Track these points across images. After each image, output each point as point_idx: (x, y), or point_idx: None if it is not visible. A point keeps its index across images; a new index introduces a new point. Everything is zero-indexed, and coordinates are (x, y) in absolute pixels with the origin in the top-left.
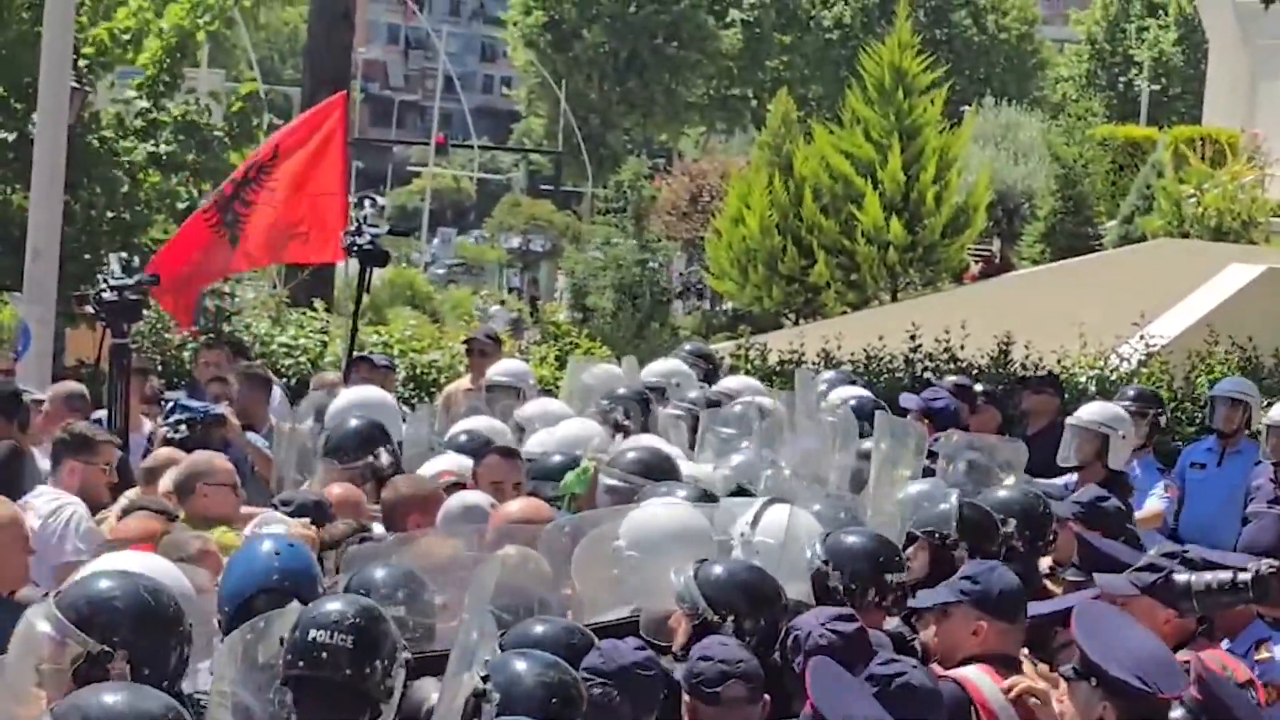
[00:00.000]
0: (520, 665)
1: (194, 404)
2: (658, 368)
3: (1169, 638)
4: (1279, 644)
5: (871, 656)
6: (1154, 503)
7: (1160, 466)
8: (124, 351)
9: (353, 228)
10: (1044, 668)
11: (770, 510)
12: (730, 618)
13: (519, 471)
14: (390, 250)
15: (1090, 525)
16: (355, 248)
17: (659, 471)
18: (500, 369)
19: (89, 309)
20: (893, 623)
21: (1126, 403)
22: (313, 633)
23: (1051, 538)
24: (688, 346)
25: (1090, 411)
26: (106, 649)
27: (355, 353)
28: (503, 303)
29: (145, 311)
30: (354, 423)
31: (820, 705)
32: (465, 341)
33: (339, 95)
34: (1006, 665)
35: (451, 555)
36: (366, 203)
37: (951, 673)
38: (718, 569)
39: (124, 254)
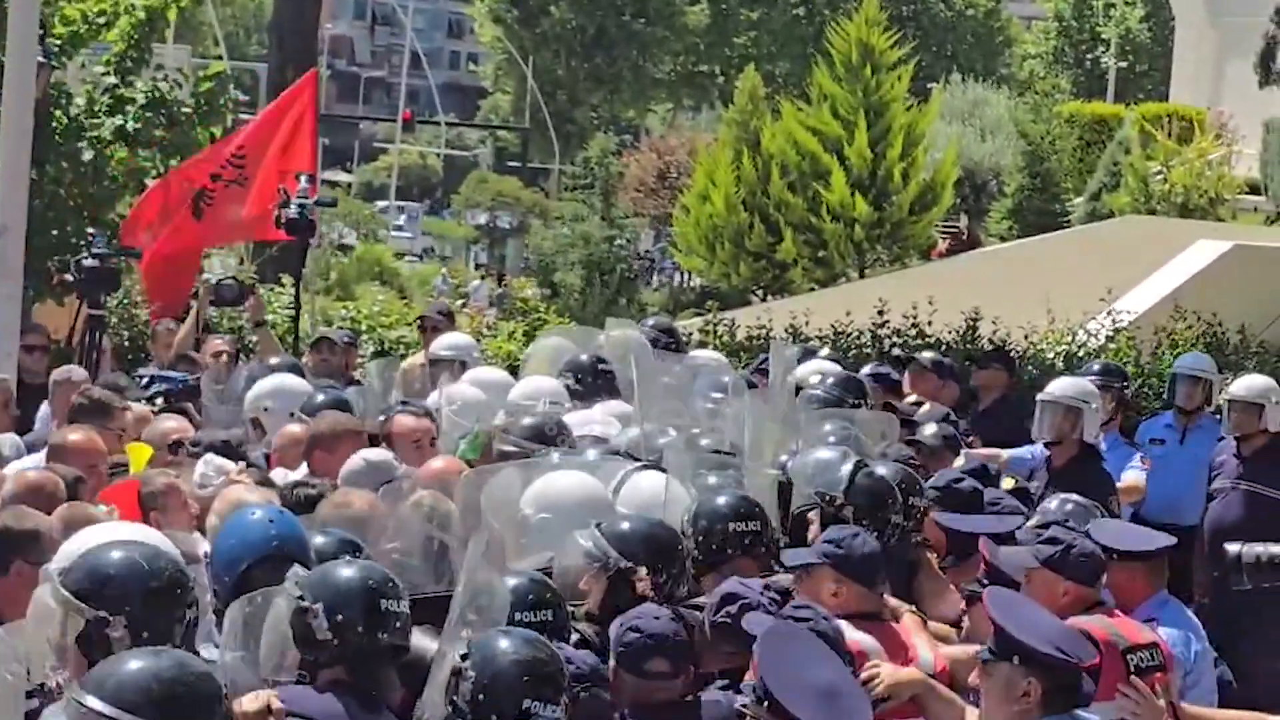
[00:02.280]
0: (499, 643)
1: (172, 374)
2: (630, 334)
3: (1067, 609)
4: (1164, 625)
5: None
6: (1132, 475)
7: (1127, 441)
8: (99, 323)
9: (281, 199)
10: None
11: (636, 477)
12: (644, 567)
13: (430, 429)
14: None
15: (948, 507)
16: (283, 219)
17: (550, 438)
18: (444, 343)
19: (68, 278)
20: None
21: (1092, 377)
22: (384, 604)
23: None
24: (650, 321)
25: (1061, 386)
26: (104, 615)
27: (318, 330)
28: (482, 278)
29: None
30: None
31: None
32: (418, 318)
33: (309, 74)
34: (867, 619)
35: (369, 507)
36: (303, 177)
37: None
38: (624, 524)
39: (90, 229)
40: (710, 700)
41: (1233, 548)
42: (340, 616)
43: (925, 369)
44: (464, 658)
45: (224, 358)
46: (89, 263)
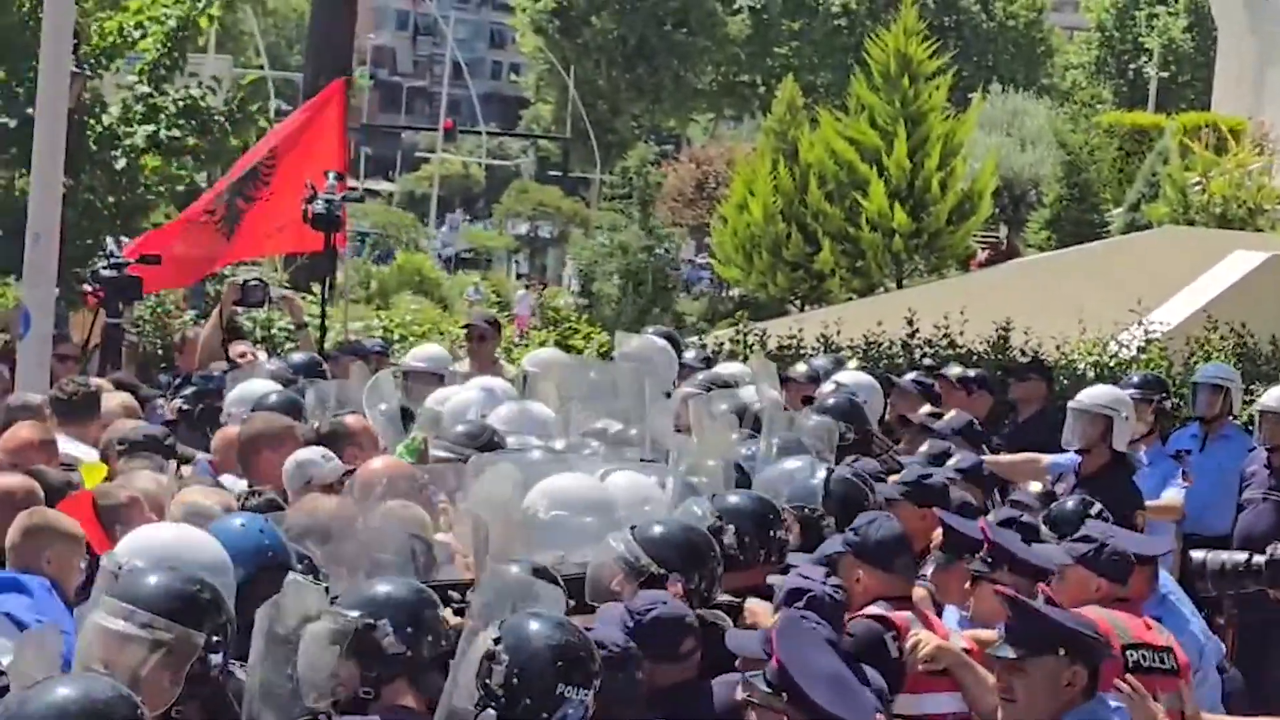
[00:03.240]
0: (531, 626)
1: (209, 375)
2: (635, 345)
3: (1098, 605)
4: (1166, 624)
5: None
6: (1172, 493)
7: (1172, 454)
8: (118, 331)
9: (308, 195)
10: None
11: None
12: (676, 572)
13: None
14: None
15: (918, 502)
16: (309, 215)
17: (483, 443)
18: (420, 354)
19: (86, 288)
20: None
21: (1132, 390)
22: (427, 612)
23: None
24: (651, 330)
25: (1091, 395)
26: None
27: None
28: (527, 287)
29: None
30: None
31: (786, 661)
32: (464, 326)
33: (337, 81)
34: (893, 603)
35: (334, 511)
36: (331, 175)
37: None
38: (656, 528)
39: (124, 237)
40: (723, 683)
41: (1198, 555)
42: (410, 629)
43: (953, 386)
44: (496, 641)
45: (250, 359)
46: (107, 272)
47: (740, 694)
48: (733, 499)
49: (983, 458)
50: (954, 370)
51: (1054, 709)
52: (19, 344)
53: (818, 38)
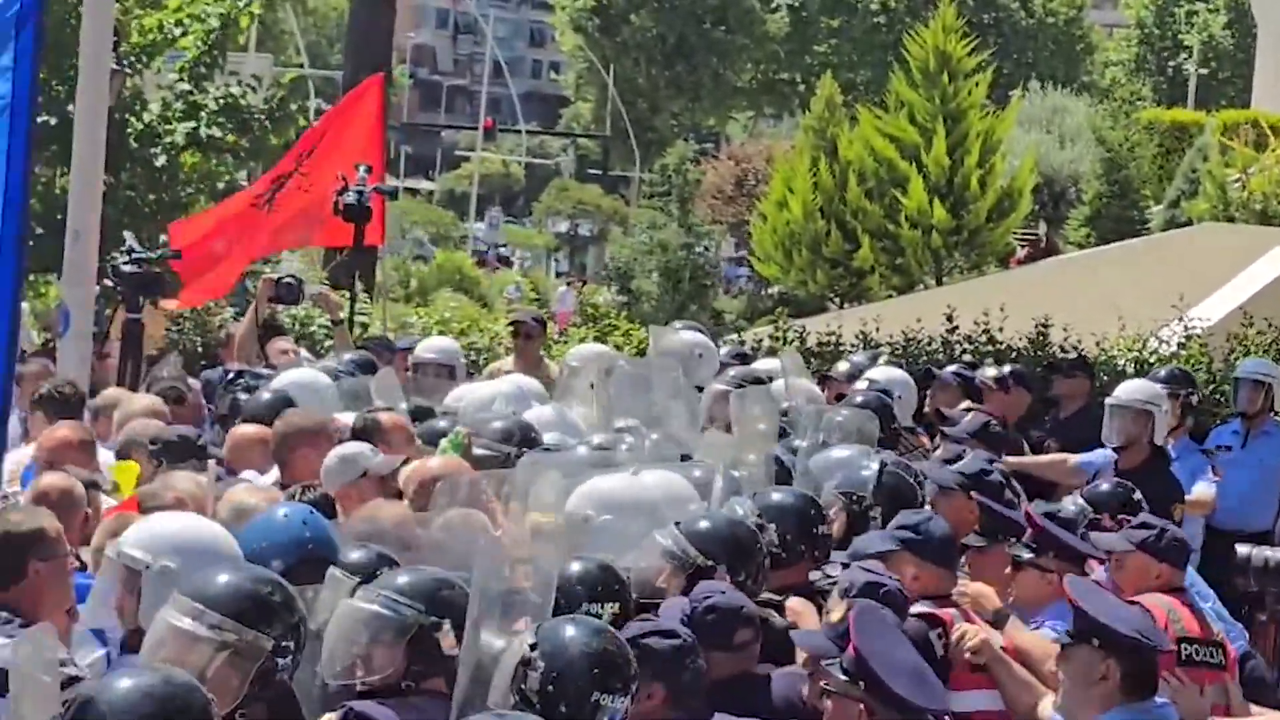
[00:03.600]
0: (567, 632)
1: (259, 371)
2: (685, 337)
3: (1161, 591)
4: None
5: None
6: (1202, 488)
7: (1202, 449)
8: (138, 326)
9: (339, 187)
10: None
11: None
12: (722, 565)
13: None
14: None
15: (972, 494)
16: (340, 206)
17: (521, 440)
18: (430, 346)
19: (107, 282)
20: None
21: (1159, 384)
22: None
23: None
24: (678, 324)
25: (1129, 390)
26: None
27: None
28: (569, 284)
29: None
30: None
31: (863, 649)
32: (511, 323)
33: (376, 77)
34: (940, 600)
35: (397, 518)
36: (362, 167)
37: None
38: (702, 523)
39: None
40: (783, 674)
41: (1242, 550)
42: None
43: (990, 388)
44: (533, 647)
45: (290, 357)
46: (127, 268)
47: (807, 688)
48: (775, 496)
49: (1003, 459)
50: (989, 373)
51: (1088, 701)
52: (59, 342)
53: (857, 35)
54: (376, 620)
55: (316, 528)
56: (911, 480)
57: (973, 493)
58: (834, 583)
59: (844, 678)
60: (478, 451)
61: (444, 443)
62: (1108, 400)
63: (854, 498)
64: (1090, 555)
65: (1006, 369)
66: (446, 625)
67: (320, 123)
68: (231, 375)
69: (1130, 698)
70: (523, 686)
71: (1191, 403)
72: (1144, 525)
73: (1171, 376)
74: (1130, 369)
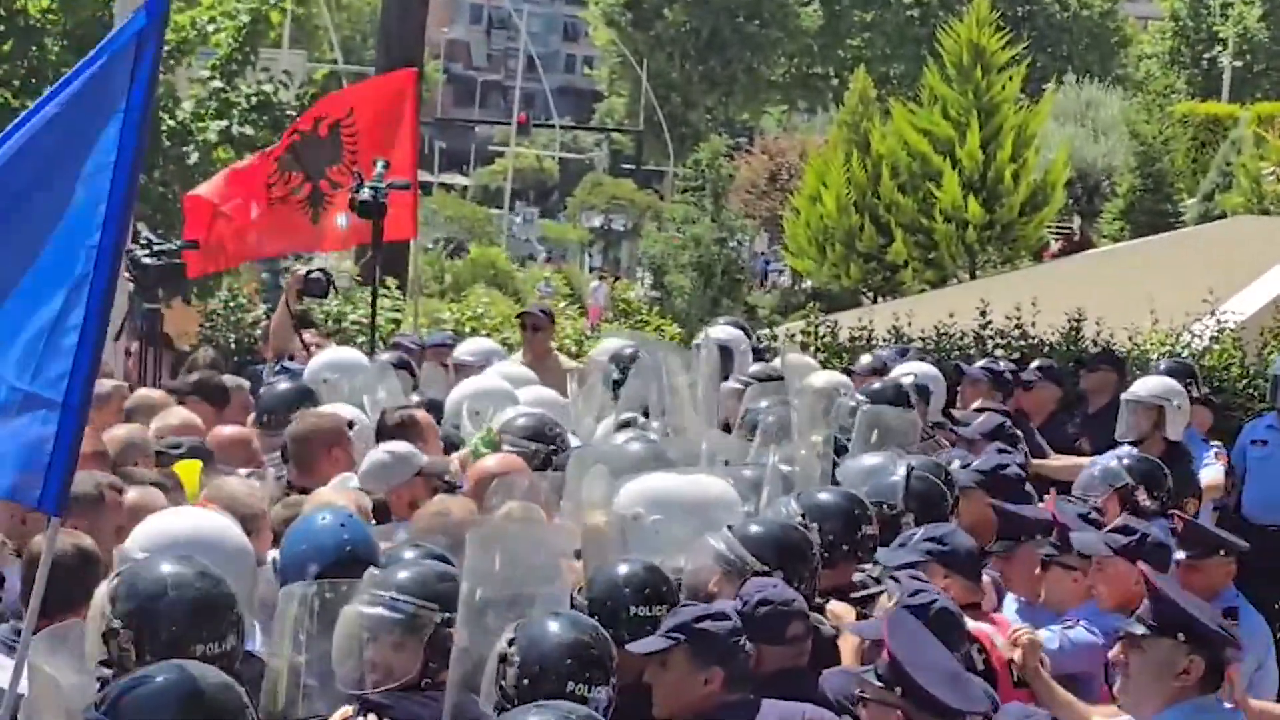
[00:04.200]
0: (545, 627)
1: (294, 366)
2: (727, 331)
3: (1140, 597)
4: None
5: None
6: (1210, 472)
7: (1204, 437)
8: (156, 316)
9: (355, 183)
10: None
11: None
12: (777, 571)
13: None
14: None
15: (992, 492)
16: (356, 202)
17: (547, 437)
18: (467, 348)
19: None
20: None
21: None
22: None
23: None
24: (721, 320)
25: (1145, 386)
26: (116, 625)
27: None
28: (601, 278)
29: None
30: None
31: (898, 654)
32: (518, 316)
33: (409, 72)
34: (970, 610)
35: (465, 516)
36: (379, 162)
37: None
38: (753, 527)
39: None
40: (834, 673)
41: None
42: None
43: (1030, 385)
44: (510, 643)
45: (314, 349)
46: (147, 259)
47: (856, 690)
48: (821, 496)
49: (1015, 460)
50: (1029, 371)
51: (1163, 694)
52: None
53: (890, 29)
54: (391, 624)
55: (357, 531)
56: (940, 482)
57: (988, 495)
58: (876, 581)
59: (879, 683)
60: (506, 449)
61: (475, 441)
62: (1123, 395)
63: (885, 505)
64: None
65: (1038, 362)
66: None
67: (345, 96)
68: (277, 369)
69: (1205, 690)
70: (502, 683)
71: (1194, 395)
72: (1125, 530)
73: (1172, 369)
74: (1163, 364)
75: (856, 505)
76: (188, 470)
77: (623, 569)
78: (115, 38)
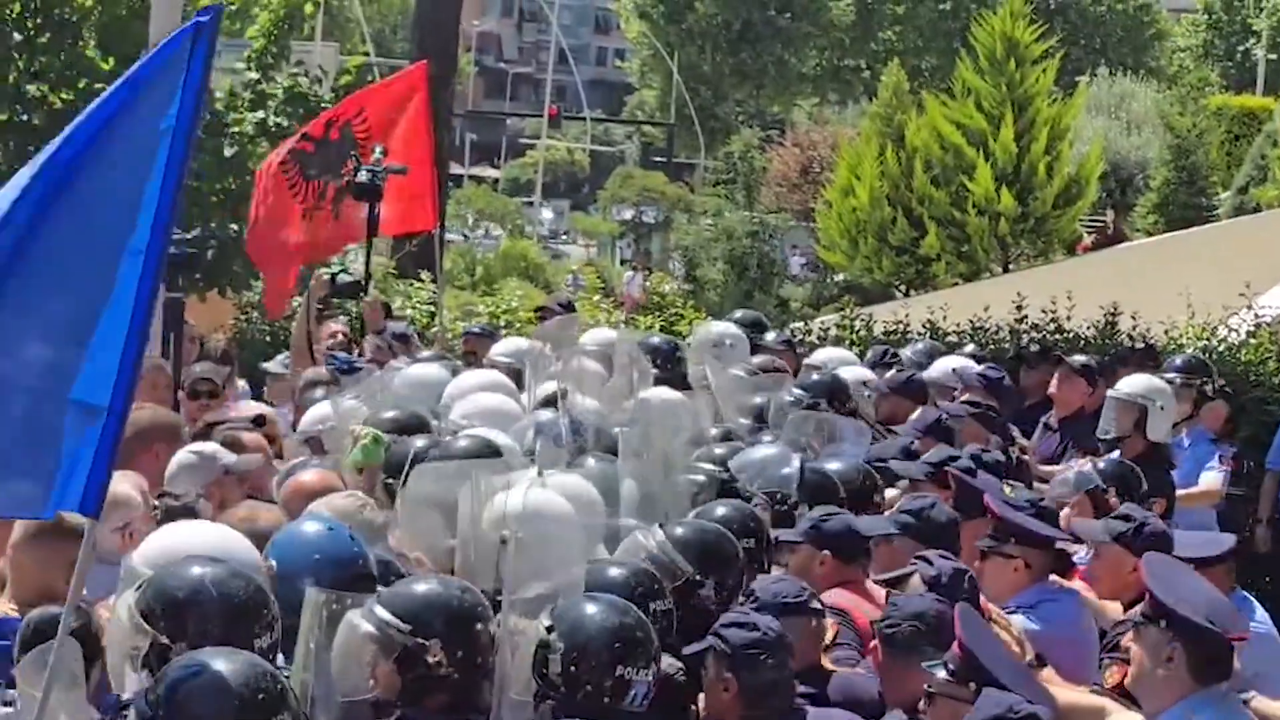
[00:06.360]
0: (586, 610)
1: (340, 356)
2: (717, 328)
3: (1135, 585)
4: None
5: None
6: (1209, 477)
7: (1212, 437)
8: (178, 304)
9: (351, 166)
10: None
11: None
12: (710, 578)
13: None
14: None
15: (942, 486)
16: (351, 185)
17: (413, 429)
18: (502, 349)
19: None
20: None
21: (1172, 374)
22: (479, 627)
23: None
24: (738, 314)
25: (1130, 384)
26: (166, 641)
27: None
28: (635, 269)
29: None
30: None
31: (971, 645)
32: (538, 309)
33: (418, 66)
34: None
35: (272, 525)
36: (378, 148)
37: None
38: (679, 530)
39: (232, 224)
40: (846, 674)
41: None
42: (460, 652)
43: (1074, 372)
44: (549, 629)
45: (339, 339)
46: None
47: (927, 685)
48: (679, 530)
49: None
50: (1078, 359)
51: (1157, 683)
52: None
53: (923, 21)
54: (366, 639)
55: (364, 546)
56: (836, 480)
57: (948, 469)
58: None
59: (948, 678)
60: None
61: (356, 452)
62: (1109, 391)
63: (778, 497)
64: (1056, 539)
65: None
66: (435, 643)
67: (356, 99)
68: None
69: (1201, 684)
70: (544, 671)
71: (1206, 392)
72: (1125, 517)
73: (1186, 365)
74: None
75: (726, 537)
76: None
77: (614, 572)
78: (165, 48)
